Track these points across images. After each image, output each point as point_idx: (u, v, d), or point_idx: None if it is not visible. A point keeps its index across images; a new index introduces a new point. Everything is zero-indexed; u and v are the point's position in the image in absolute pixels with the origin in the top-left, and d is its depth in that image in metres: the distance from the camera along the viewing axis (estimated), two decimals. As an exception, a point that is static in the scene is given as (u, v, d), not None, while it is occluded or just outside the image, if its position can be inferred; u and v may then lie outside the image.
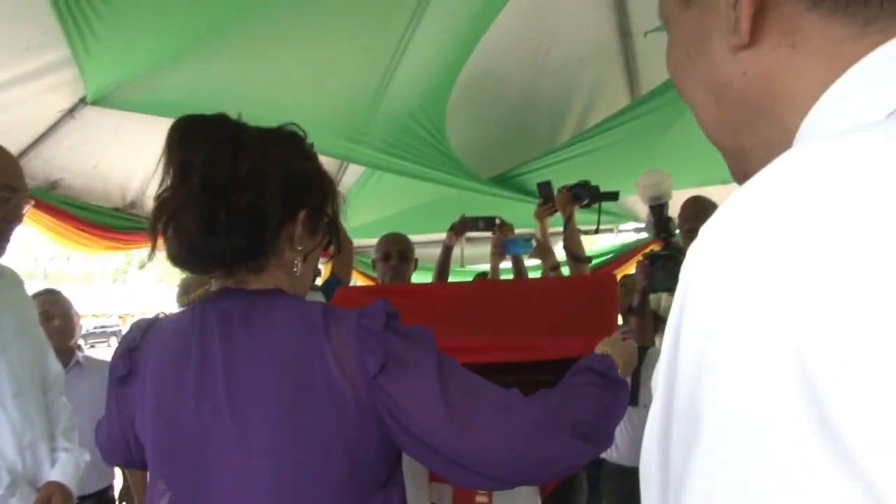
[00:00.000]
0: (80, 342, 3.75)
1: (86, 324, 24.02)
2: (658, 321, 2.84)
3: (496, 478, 0.98)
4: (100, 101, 3.20)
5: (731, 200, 0.37)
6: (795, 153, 0.37)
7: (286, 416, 0.95)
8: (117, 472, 2.96)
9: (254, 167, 1.00)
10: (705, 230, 0.37)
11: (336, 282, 3.02)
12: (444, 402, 0.95)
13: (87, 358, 2.98)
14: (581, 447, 1.02)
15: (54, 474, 1.75)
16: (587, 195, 2.67)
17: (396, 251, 3.09)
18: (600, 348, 1.28)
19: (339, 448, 0.95)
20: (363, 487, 0.98)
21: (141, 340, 1.08)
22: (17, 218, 1.69)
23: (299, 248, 1.07)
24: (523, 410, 1.00)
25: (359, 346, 0.96)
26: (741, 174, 0.52)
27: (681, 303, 0.37)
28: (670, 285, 2.09)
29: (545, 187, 2.83)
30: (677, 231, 2.36)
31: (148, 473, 1.06)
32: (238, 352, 0.99)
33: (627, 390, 1.20)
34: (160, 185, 1.03)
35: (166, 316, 1.13)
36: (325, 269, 4.24)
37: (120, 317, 28.06)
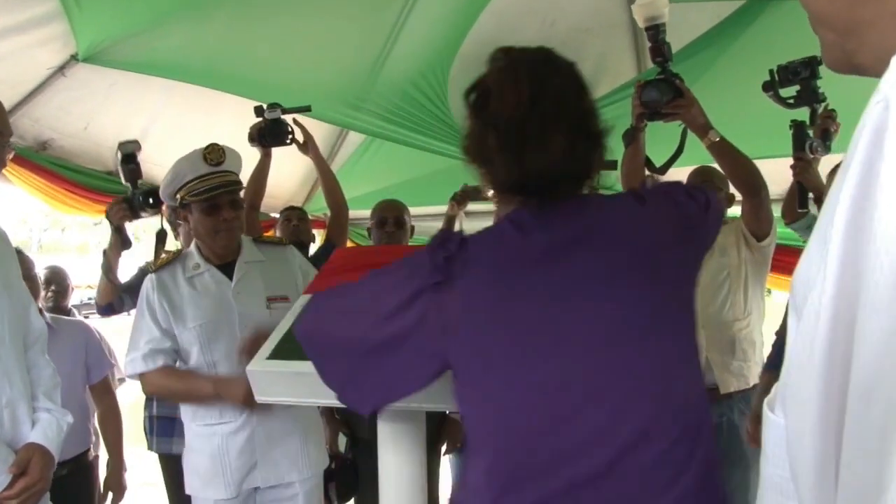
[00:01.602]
0: (74, 311, 3.65)
1: (80, 294, 23.87)
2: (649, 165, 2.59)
3: None
4: (92, 58, 3.10)
5: None
6: None
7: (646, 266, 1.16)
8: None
9: (588, 102, 1.19)
10: None
11: (331, 246, 3.05)
12: None
13: (57, 319, 2.80)
14: None
15: (34, 436, 1.68)
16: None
17: (392, 217, 3.08)
18: None
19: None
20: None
21: (456, 251, 1.17)
22: (1, 162, 1.61)
23: None
24: None
25: (679, 201, 1.25)
26: (844, 56, 0.44)
27: (868, 151, 0.30)
28: (660, 101, 2.12)
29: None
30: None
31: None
32: (585, 239, 1.17)
33: None
34: (482, 110, 1.18)
35: (474, 234, 1.22)
36: (319, 236, 4.18)
37: (114, 289, 27.91)
